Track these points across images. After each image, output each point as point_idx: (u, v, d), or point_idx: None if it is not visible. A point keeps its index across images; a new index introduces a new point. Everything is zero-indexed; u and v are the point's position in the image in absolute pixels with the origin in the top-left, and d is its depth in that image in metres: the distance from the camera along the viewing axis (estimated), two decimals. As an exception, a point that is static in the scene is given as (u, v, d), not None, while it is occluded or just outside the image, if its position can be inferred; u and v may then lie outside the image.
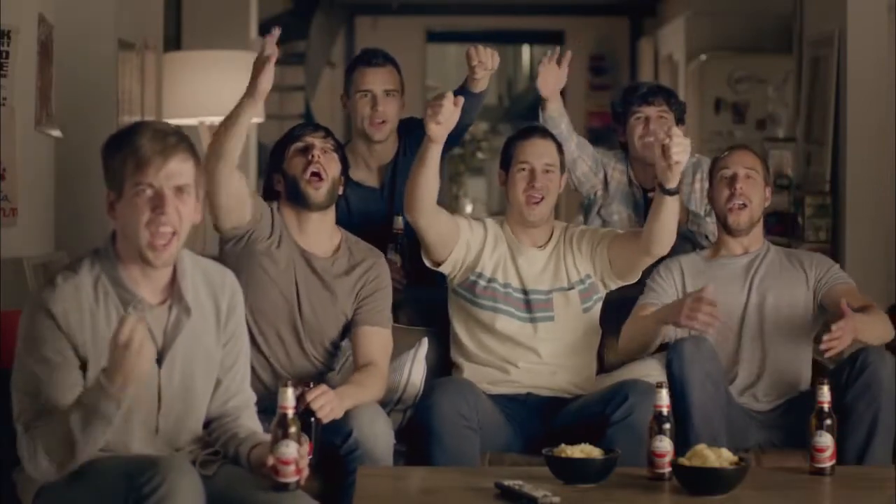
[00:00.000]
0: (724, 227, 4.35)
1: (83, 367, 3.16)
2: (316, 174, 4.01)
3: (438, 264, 4.24)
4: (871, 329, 4.07)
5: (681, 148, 3.90)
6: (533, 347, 4.20)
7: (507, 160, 4.31)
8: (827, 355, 3.96)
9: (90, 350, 3.16)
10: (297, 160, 4.04)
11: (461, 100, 3.92)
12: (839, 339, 3.88)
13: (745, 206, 4.29)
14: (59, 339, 3.14)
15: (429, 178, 4.01)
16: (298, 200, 4.04)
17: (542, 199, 4.22)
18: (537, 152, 4.26)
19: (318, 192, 4.02)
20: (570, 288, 4.23)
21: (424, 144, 3.97)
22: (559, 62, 4.72)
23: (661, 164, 3.95)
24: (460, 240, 4.23)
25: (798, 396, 4.20)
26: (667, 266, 4.33)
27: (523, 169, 4.24)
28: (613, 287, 4.30)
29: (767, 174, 4.39)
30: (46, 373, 3.12)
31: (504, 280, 4.22)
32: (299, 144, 4.06)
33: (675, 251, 4.26)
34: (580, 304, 4.23)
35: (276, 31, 3.73)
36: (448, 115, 3.90)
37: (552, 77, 4.71)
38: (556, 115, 4.70)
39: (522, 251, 4.26)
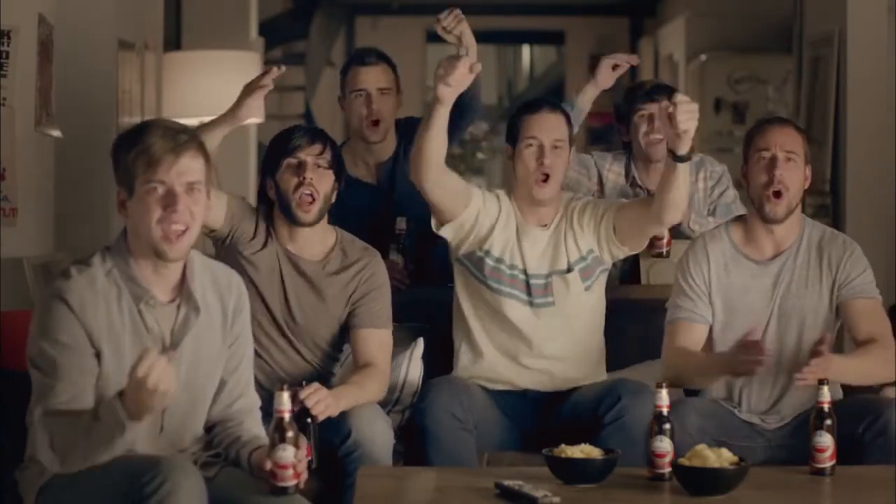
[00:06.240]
0: (759, 212, 3.99)
1: (97, 356, 3.17)
2: (308, 195, 3.93)
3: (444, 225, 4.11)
4: (850, 375, 3.84)
5: (687, 115, 3.67)
6: (535, 340, 4.11)
7: (513, 134, 4.14)
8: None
9: (104, 341, 3.17)
10: (289, 177, 3.95)
11: (479, 66, 3.76)
12: (806, 380, 3.68)
13: (781, 193, 3.93)
14: (74, 325, 3.15)
15: (435, 141, 3.86)
16: (288, 217, 3.98)
17: (549, 177, 4.08)
18: (547, 126, 4.10)
19: (309, 214, 3.95)
20: (569, 270, 4.11)
21: (431, 107, 3.81)
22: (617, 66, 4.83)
23: (668, 132, 3.76)
24: (471, 205, 4.09)
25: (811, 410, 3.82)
26: (696, 260, 4.02)
27: (531, 145, 4.09)
28: (621, 256, 4.18)
29: (808, 151, 4.00)
30: (64, 356, 3.13)
31: (510, 262, 4.11)
32: (292, 161, 3.95)
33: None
34: (581, 284, 4.12)
35: (282, 69, 3.79)
36: (459, 79, 3.74)
37: (612, 75, 4.84)
38: (585, 109, 4.85)
39: (527, 232, 4.14)
